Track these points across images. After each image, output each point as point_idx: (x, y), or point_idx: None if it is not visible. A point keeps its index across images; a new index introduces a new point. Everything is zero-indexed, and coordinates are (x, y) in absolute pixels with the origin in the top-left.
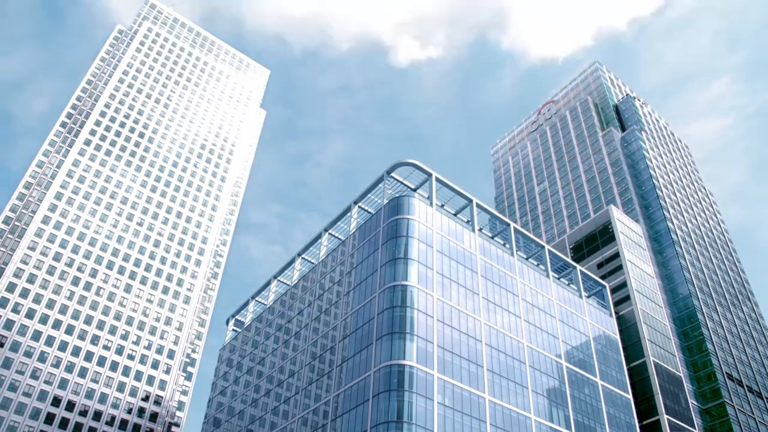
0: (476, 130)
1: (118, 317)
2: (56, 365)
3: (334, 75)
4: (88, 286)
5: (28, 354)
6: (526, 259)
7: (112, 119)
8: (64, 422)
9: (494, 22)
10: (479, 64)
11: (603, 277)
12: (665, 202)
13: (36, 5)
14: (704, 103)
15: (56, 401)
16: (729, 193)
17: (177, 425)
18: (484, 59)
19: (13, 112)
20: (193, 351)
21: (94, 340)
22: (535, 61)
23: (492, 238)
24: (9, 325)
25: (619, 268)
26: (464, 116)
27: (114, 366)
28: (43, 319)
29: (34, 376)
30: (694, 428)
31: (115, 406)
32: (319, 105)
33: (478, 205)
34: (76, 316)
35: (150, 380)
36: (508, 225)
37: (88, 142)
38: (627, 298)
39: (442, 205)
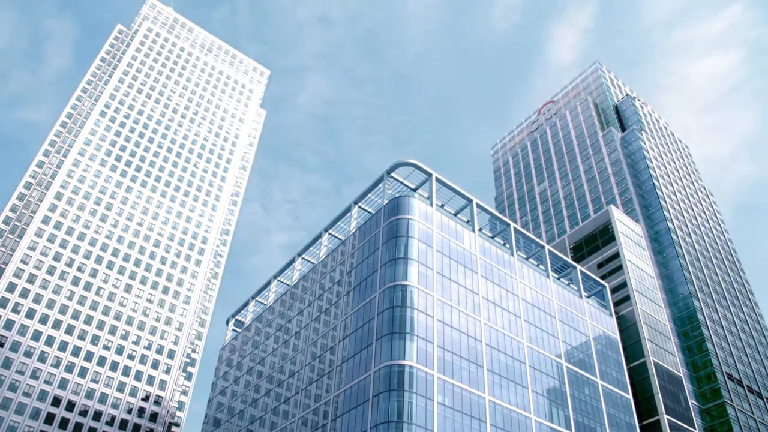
0: (466, 68)
1: (118, 317)
2: (56, 365)
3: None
4: (88, 286)
5: (28, 354)
6: (526, 259)
7: (112, 119)
8: (64, 422)
9: None
10: None
11: (603, 277)
12: (665, 202)
13: (36, 5)
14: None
15: (56, 401)
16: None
17: (177, 425)
18: None
19: (13, 110)
20: (193, 351)
21: (94, 340)
22: None
23: (492, 238)
24: (9, 325)
25: (619, 268)
26: (453, 53)
27: (114, 366)
28: (43, 319)
29: (34, 376)
30: (694, 428)
31: (115, 406)
32: (295, 39)
33: (478, 205)
34: (76, 316)
35: (150, 380)
36: (508, 225)
37: (88, 142)
38: (627, 298)
39: (442, 205)
